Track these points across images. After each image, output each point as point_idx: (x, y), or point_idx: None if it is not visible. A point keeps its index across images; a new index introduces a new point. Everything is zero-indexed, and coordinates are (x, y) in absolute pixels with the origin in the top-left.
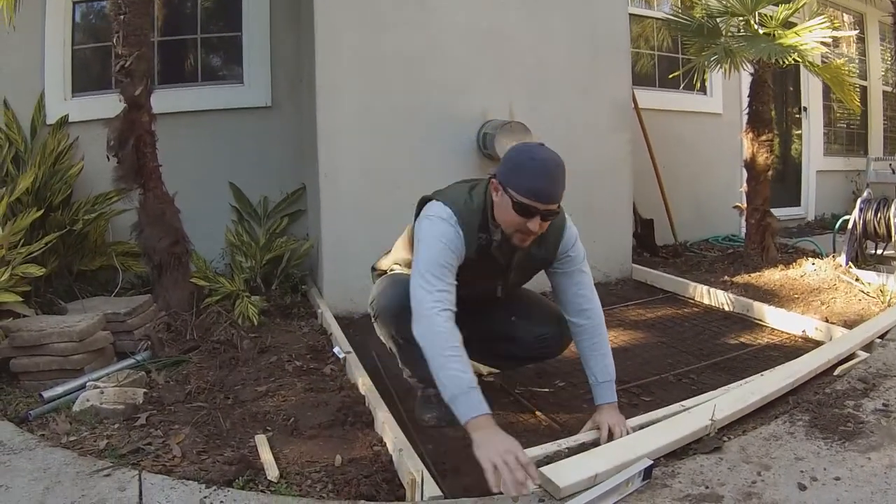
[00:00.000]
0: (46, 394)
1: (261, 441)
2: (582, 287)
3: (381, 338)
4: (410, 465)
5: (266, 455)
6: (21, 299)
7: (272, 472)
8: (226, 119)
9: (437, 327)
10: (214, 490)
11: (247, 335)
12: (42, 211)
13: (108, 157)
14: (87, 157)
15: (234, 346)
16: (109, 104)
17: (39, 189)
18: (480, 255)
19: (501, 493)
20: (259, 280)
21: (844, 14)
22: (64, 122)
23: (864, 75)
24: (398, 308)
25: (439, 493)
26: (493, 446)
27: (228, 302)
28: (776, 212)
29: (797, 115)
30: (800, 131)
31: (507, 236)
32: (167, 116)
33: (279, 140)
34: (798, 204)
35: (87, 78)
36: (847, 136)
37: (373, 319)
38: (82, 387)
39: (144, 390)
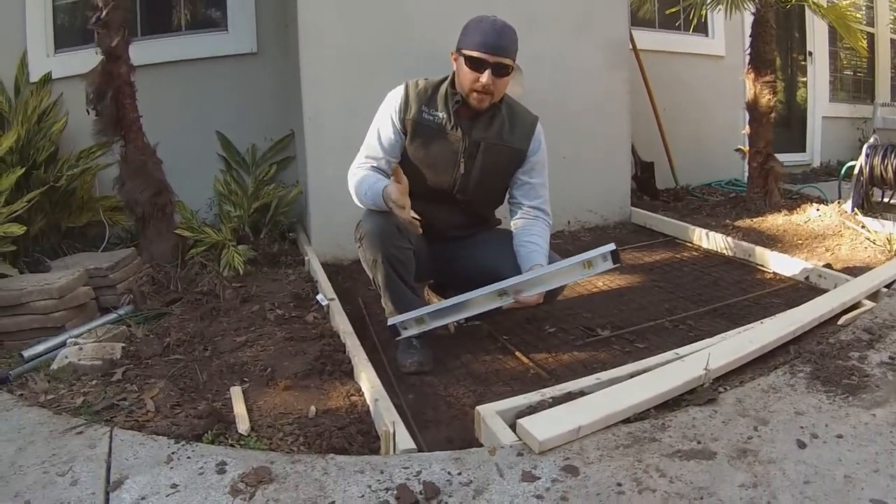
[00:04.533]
0: (27, 353)
1: (235, 393)
2: (542, 199)
3: (366, 266)
4: (385, 416)
5: (239, 408)
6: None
7: (243, 426)
8: (211, 68)
9: (362, 174)
10: (183, 445)
11: (230, 285)
12: (24, 169)
13: (87, 111)
14: (72, 113)
15: (217, 297)
16: (93, 59)
17: (23, 147)
18: (435, 129)
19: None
20: (247, 229)
21: None
22: (47, 79)
23: (871, 22)
24: (383, 229)
25: (413, 445)
26: (390, 196)
27: (214, 252)
28: (781, 157)
29: (802, 62)
30: (805, 78)
31: (466, 100)
32: (151, 68)
33: (266, 86)
34: (803, 150)
35: (69, 33)
36: (854, 83)
37: (358, 246)
38: (63, 344)
39: (123, 345)
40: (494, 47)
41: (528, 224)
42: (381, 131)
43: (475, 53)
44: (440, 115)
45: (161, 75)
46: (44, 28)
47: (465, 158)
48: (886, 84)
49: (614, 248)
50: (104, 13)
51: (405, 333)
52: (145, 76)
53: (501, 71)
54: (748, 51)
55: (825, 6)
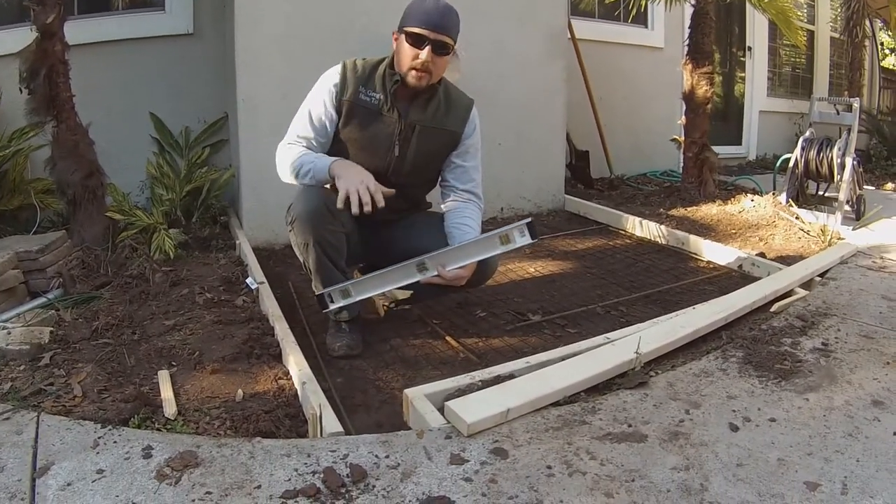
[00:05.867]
0: None
1: (163, 377)
2: (475, 182)
3: (297, 250)
4: (313, 400)
5: (166, 392)
6: None
7: (170, 410)
8: (147, 48)
9: (297, 150)
10: (109, 430)
11: (160, 269)
12: None
13: (20, 90)
14: (5, 93)
15: (147, 281)
16: (28, 37)
17: None
18: (371, 111)
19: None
20: (179, 212)
21: None
22: None
23: (812, 20)
24: (315, 212)
25: (340, 428)
26: (352, 177)
27: (146, 235)
28: (717, 150)
29: (742, 57)
30: (744, 74)
31: (404, 80)
32: (86, 47)
33: (202, 68)
34: (739, 143)
35: (5, 11)
36: (792, 80)
37: (289, 230)
38: None
39: (51, 329)
40: (436, 25)
41: (459, 207)
42: (312, 111)
43: (416, 29)
44: (377, 95)
45: (96, 55)
46: None
47: (401, 141)
48: (825, 81)
49: (531, 220)
50: None
51: (332, 307)
52: (80, 55)
53: (441, 49)
54: (687, 42)
55: (766, 1)
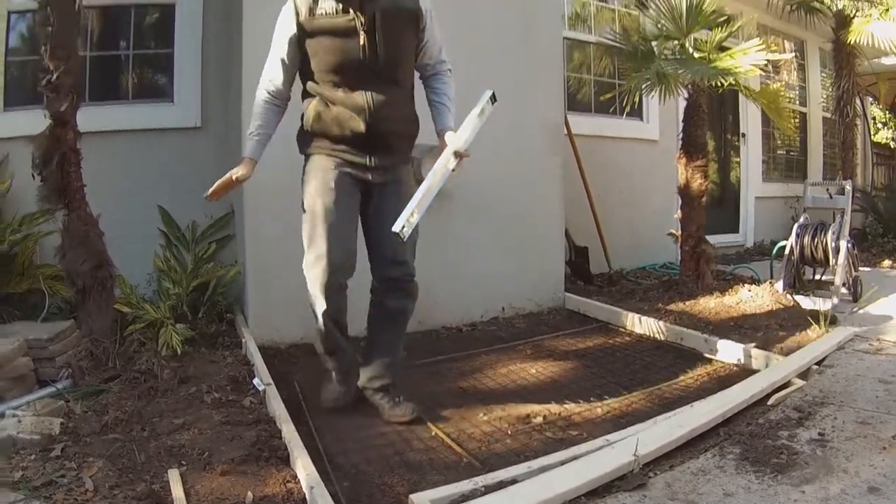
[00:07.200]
0: None
1: (174, 476)
2: (439, 52)
3: (310, 288)
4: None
5: (177, 491)
6: None
7: None
8: (156, 139)
9: (257, 103)
10: None
11: (168, 365)
12: None
13: (33, 176)
14: (18, 175)
15: (155, 376)
16: (40, 119)
17: None
18: (330, 17)
19: None
20: (185, 307)
21: (785, 41)
22: None
23: (804, 102)
24: (331, 262)
25: None
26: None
27: (153, 329)
28: (715, 239)
29: (736, 143)
30: (738, 158)
31: None
32: (96, 135)
33: (210, 161)
34: (736, 231)
35: (21, 92)
36: (787, 163)
37: (305, 270)
38: (1, 415)
39: (61, 420)
40: None
41: (433, 84)
42: (280, 55)
43: None
44: (329, 2)
45: (105, 143)
46: None
47: (367, 33)
48: (818, 161)
49: (492, 92)
50: (55, 76)
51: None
52: (90, 143)
53: None
54: (681, 135)
55: (757, 90)
